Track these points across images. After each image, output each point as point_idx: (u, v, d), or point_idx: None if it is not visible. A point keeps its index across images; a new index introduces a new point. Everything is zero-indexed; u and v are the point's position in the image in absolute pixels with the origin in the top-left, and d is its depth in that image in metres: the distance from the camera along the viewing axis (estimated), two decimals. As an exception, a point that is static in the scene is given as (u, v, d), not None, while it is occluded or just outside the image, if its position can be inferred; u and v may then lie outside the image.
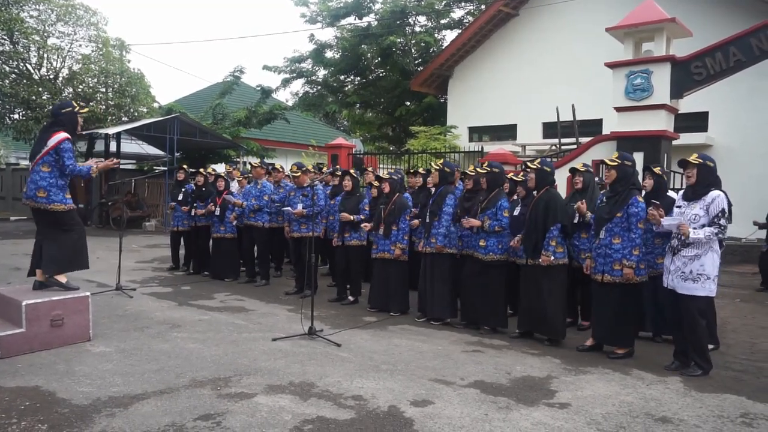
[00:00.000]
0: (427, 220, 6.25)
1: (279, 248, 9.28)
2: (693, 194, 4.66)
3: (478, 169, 6.23)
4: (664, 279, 4.82)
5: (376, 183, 7.14)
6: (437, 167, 6.35)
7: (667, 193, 5.69)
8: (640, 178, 5.61)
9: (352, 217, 6.95)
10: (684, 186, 4.98)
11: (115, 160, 5.72)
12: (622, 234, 5.05)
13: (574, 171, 6.18)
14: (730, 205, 4.65)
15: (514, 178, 6.89)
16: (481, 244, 5.89)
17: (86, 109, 5.37)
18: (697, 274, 4.53)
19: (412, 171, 8.08)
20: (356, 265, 7.21)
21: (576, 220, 5.83)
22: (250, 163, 9.59)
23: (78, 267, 5.36)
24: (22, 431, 3.31)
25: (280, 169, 8.54)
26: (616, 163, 5.14)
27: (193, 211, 8.81)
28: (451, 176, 6.49)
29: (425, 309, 6.31)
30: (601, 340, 5.28)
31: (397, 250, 6.50)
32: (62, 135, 5.05)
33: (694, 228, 4.52)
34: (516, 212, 6.08)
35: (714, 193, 4.57)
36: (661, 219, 4.79)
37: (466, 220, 5.90)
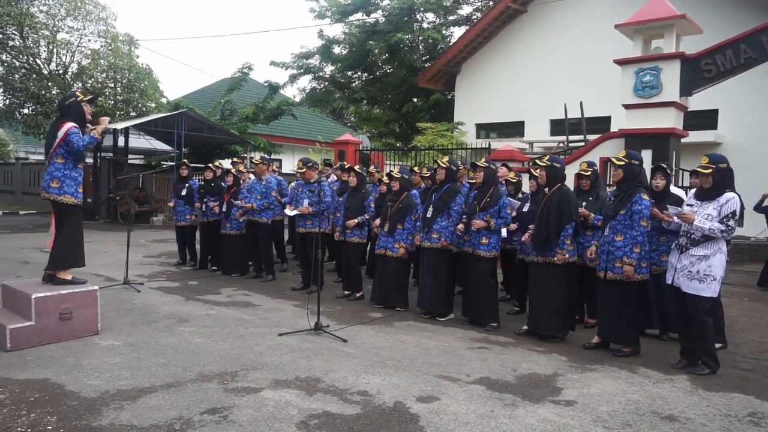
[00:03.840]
0: (428, 216, 6.25)
1: (282, 243, 9.33)
2: (707, 195, 4.61)
3: (476, 163, 6.23)
4: (668, 276, 4.79)
5: (386, 180, 7.13)
6: (444, 164, 6.34)
7: (671, 191, 5.66)
8: (650, 176, 5.59)
9: (356, 220, 6.98)
10: (696, 187, 4.92)
11: (105, 119, 5.44)
12: (624, 232, 5.03)
13: (580, 176, 6.13)
14: (742, 208, 4.59)
15: (510, 179, 6.88)
16: (483, 241, 5.89)
17: (89, 97, 5.38)
18: (704, 274, 4.50)
19: (418, 169, 8.04)
20: (354, 261, 7.23)
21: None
22: (250, 159, 9.63)
23: (75, 264, 5.32)
24: (32, 423, 3.34)
25: (271, 166, 8.63)
26: (623, 162, 5.08)
27: (204, 206, 8.82)
28: (457, 173, 6.51)
29: (425, 304, 6.33)
30: (605, 337, 5.28)
31: (401, 250, 6.51)
32: (69, 124, 5.11)
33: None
34: (525, 209, 6.07)
35: (729, 194, 4.52)
36: (668, 211, 4.76)
37: (473, 222, 5.89)
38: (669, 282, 4.76)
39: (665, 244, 5.39)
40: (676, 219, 4.71)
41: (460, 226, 5.97)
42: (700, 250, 4.53)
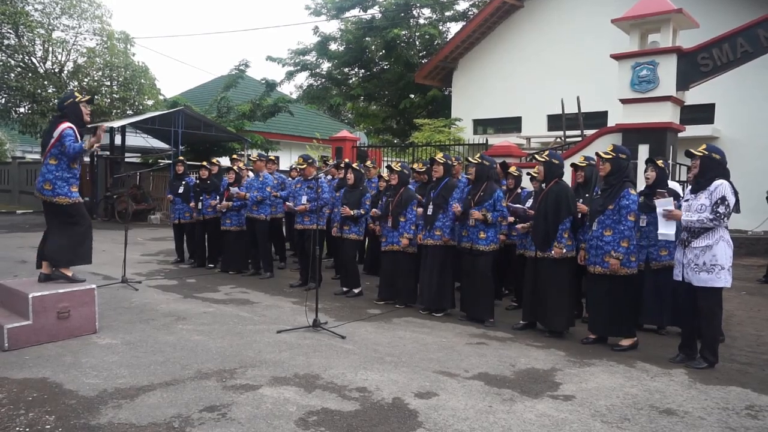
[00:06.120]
0: (429, 213, 6.25)
1: (281, 240, 9.30)
2: (697, 186, 4.65)
3: (469, 159, 6.25)
4: (676, 272, 4.76)
5: (385, 175, 7.13)
6: (441, 160, 6.35)
7: (669, 186, 5.66)
8: (642, 169, 5.59)
9: (352, 212, 6.96)
10: (689, 178, 4.95)
11: (103, 126, 5.71)
12: (613, 226, 5.05)
13: (575, 167, 6.16)
14: (736, 194, 4.61)
15: (513, 173, 6.90)
16: (481, 236, 5.90)
17: (87, 97, 5.41)
18: (710, 265, 4.49)
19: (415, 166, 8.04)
20: (351, 258, 7.22)
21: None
22: (248, 156, 9.64)
23: (81, 261, 5.37)
24: (30, 422, 3.34)
25: (275, 160, 8.59)
26: (610, 156, 5.13)
27: (200, 204, 8.80)
28: (453, 169, 6.54)
29: (428, 301, 6.32)
30: (596, 331, 5.29)
31: (404, 240, 6.51)
32: (65, 125, 5.13)
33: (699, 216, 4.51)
34: (528, 204, 6.11)
35: (717, 181, 4.54)
36: (656, 202, 4.79)
37: (470, 213, 5.89)
38: (679, 279, 4.72)
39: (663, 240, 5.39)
40: (658, 206, 4.76)
41: (457, 207, 5.93)
42: (701, 241, 4.54)
